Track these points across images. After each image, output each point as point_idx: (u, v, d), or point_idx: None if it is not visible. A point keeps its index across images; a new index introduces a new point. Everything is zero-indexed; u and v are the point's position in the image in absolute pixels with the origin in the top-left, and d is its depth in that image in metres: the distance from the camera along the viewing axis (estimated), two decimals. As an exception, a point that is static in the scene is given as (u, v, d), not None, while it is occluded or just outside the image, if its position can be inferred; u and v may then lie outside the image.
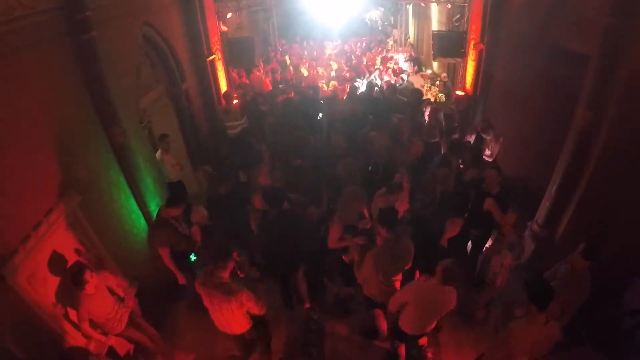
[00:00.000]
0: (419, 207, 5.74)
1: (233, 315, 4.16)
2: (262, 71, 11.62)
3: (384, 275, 4.49)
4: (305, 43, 15.77)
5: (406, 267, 4.58)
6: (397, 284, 4.67)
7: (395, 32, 17.84)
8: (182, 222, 5.46)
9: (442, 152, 6.62)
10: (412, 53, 14.08)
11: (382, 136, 6.67)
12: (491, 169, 5.33)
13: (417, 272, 4.58)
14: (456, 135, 7.66)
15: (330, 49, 15.28)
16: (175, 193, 5.27)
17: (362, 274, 4.74)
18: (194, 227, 5.19)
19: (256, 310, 4.17)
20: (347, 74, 11.86)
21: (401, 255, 4.46)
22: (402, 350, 4.79)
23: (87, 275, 3.96)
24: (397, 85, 10.34)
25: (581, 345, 4.63)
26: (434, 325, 4.30)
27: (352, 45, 15.40)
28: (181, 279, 5.33)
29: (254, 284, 5.25)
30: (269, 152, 6.46)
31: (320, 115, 8.55)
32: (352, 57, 14.03)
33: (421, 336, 4.45)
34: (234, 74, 10.43)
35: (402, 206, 5.44)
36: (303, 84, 10.85)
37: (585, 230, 5.14)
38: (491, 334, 4.97)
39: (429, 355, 5.01)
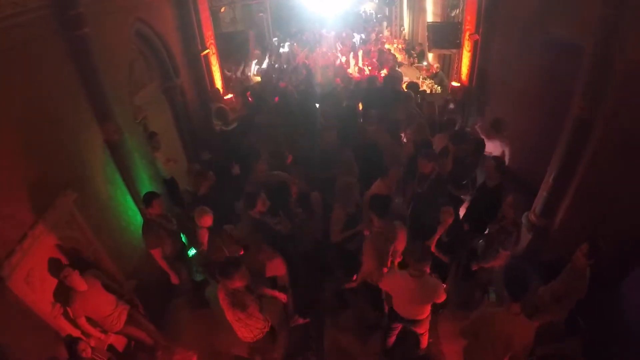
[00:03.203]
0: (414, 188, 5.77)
1: (234, 324, 4.10)
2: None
3: (381, 258, 4.52)
4: (300, 35, 15.63)
5: (399, 249, 4.64)
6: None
7: (386, 24, 17.80)
8: (172, 219, 5.39)
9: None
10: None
11: (380, 131, 6.65)
12: (491, 160, 5.31)
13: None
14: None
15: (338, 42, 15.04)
16: (147, 192, 5.12)
17: (365, 268, 4.73)
18: (202, 230, 4.96)
19: (258, 326, 4.11)
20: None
21: (392, 237, 4.48)
22: (396, 331, 4.79)
23: (66, 271, 3.94)
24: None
25: (580, 335, 4.67)
26: (426, 313, 4.29)
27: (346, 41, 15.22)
28: (174, 279, 5.26)
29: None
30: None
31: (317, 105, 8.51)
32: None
33: (416, 322, 4.43)
34: (227, 72, 10.37)
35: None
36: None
37: (582, 219, 5.18)
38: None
39: (431, 340, 5.01)
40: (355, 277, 4.92)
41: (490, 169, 5.23)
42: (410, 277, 3.92)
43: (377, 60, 11.98)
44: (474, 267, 5.01)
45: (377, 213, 4.39)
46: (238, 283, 3.79)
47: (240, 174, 6.22)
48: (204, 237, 4.95)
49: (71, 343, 3.82)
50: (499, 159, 5.34)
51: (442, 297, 4.02)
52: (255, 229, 5.03)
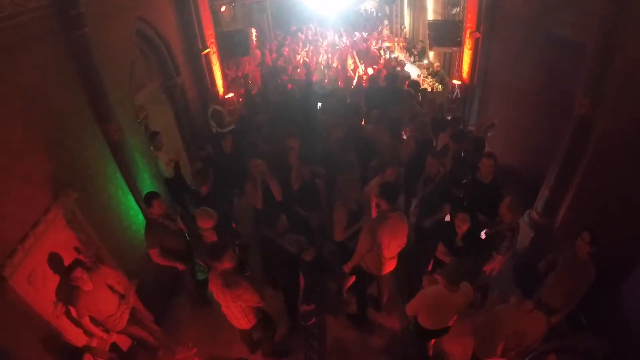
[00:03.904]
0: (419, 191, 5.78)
1: (229, 308, 4.17)
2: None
3: (379, 248, 4.55)
4: (300, 34, 15.60)
5: (402, 244, 4.69)
6: (394, 260, 4.82)
7: (387, 22, 17.77)
8: (176, 218, 5.39)
9: (435, 146, 6.58)
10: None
11: (380, 130, 6.64)
12: (487, 157, 5.29)
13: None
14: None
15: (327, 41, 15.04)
16: (148, 193, 5.08)
17: (359, 248, 4.73)
18: (206, 232, 4.93)
19: (252, 303, 4.15)
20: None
21: (396, 228, 4.52)
22: (430, 348, 4.81)
23: (78, 271, 3.95)
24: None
25: (582, 331, 4.67)
26: (455, 317, 4.29)
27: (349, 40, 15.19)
28: (180, 266, 5.26)
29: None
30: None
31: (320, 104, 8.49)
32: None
33: (448, 328, 4.41)
34: (227, 71, 10.37)
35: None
36: (298, 72, 10.75)
37: (584, 217, 5.17)
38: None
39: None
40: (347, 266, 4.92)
41: (488, 167, 5.21)
42: (450, 292, 3.88)
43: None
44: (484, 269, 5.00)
45: (386, 199, 4.42)
46: (227, 264, 3.90)
47: (239, 172, 6.23)
48: (212, 238, 4.93)
49: (75, 355, 3.83)
50: (494, 156, 5.30)
51: (472, 295, 4.08)
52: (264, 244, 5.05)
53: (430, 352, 4.89)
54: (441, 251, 4.82)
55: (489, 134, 6.56)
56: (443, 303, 3.98)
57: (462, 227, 4.64)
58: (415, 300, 4.15)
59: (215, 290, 4.09)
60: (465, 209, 4.87)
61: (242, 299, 4.06)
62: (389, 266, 4.87)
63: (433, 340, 4.78)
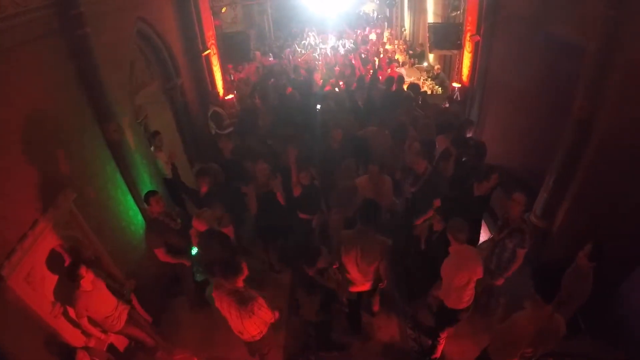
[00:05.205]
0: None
1: (242, 323, 4.02)
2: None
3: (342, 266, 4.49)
4: (302, 34, 15.64)
5: (375, 263, 4.43)
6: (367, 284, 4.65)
7: (387, 24, 17.84)
8: (176, 218, 5.35)
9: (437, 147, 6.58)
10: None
11: (381, 133, 6.63)
12: (496, 173, 5.14)
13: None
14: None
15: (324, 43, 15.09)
16: (146, 192, 5.09)
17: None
18: (192, 230, 5.00)
19: (268, 318, 4.08)
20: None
21: (370, 249, 4.33)
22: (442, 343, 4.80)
23: (82, 270, 3.94)
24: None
25: (580, 335, 4.66)
26: (472, 298, 4.31)
27: (348, 39, 15.24)
28: (187, 262, 5.27)
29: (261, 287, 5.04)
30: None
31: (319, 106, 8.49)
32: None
33: (459, 311, 4.38)
34: (230, 70, 10.37)
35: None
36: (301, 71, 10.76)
37: (583, 220, 5.17)
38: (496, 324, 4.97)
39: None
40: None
41: (494, 180, 5.12)
42: (463, 245, 4.06)
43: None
44: (499, 283, 4.96)
45: (360, 220, 4.29)
46: (240, 281, 3.82)
47: (237, 174, 6.24)
48: (193, 236, 5.00)
49: (69, 353, 3.83)
50: (498, 170, 5.24)
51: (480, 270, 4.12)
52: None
53: (439, 353, 4.87)
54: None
55: (468, 133, 6.57)
56: (465, 256, 4.08)
57: (436, 227, 4.72)
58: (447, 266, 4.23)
59: (227, 307, 3.94)
60: (448, 212, 4.85)
61: (258, 315, 3.95)
62: (358, 287, 4.70)
63: (446, 332, 4.71)
